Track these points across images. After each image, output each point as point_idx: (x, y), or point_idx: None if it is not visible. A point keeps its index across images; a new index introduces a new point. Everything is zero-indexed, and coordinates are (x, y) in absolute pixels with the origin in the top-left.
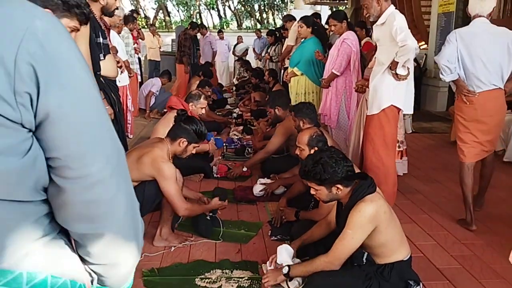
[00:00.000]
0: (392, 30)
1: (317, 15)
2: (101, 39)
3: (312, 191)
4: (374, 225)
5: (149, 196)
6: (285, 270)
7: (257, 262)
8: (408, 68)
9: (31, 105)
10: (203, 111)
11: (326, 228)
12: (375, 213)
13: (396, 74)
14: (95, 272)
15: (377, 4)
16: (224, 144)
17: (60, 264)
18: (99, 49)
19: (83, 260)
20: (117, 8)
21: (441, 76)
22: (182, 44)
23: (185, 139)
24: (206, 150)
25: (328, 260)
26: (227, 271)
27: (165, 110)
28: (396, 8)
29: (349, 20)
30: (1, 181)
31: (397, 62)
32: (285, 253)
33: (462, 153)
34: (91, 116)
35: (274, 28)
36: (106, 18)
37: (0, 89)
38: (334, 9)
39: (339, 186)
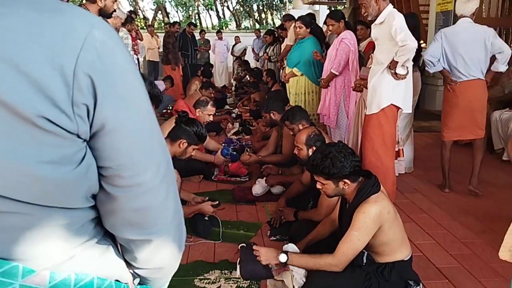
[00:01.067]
0: (392, 30)
1: (311, 16)
2: None
3: (319, 185)
4: (378, 225)
5: None
6: (283, 258)
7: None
8: (407, 67)
9: (88, 116)
10: (211, 118)
11: (330, 226)
12: (379, 213)
13: (396, 73)
14: (138, 275)
15: (376, 3)
16: (222, 145)
17: (105, 266)
18: None
19: (128, 263)
20: (115, 10)
21: (427, 68)
22: (166, 42)
23: (185, 141)
24: (211, 161)
25: (333, 261)
26: (226, 271)
27: (164, 111)
28: (394, 7)
29: (347, 19)
30: (55, 190)
31: (397, 62)
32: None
33: (444, 132)
34: (144, 126)
35: (272, 28)
36: (109, 20)
37: (59, 100)
38: (333, 9)
39: (346, 180)
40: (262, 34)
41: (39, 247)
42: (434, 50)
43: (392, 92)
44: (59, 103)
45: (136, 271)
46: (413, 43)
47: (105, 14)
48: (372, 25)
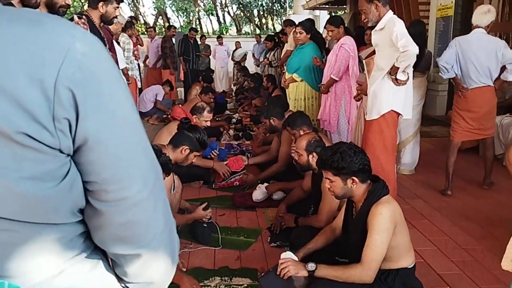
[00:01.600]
0: (393, 36)
1: (311, 21)
2: None
3: (327, 184)
4: (394, 225)
5: None
6: (312, 267)
7: (256, 269)
8: (407, 73)
9: (70, 130)
10: (208, 123)
11: (330, 235)
12: (393, 213)
13: (396, 79)
14: None
15: (376, 9)
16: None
17: (95, 281)
18: None
19: (119, 278)
20: (116, 17)
21: (440, 74)
22: (163, 47)
23: (187, 147)
24: (210, 166)
25: (363, 271)
26: (226, 278)
27: (164, 117)
28: (394, 13)
29: (347, 25)
30: (37, 206)
31: (398, 68)
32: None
33: (453, 133)
34: (130, 139)
35: (273, 33)
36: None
37: (39, 115)
38: (333, 14)
39: (354, 178)
40: (262, 39)
41: (26, 263)
42: (449, 57)
43: (392, 98)
44: (39, 118)
45: (127, 285)
46: (414, 49)
47: (106, 20)
48: (372, 31)
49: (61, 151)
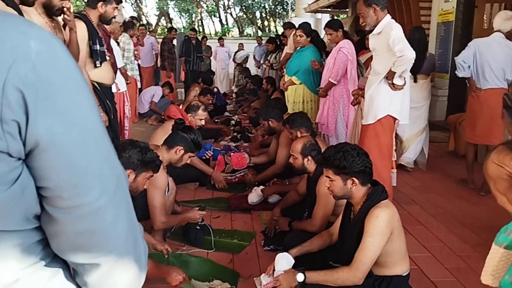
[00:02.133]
0: (389, 40)
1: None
2: (98, 46)
3: (327, 183)
4: (390, 230)
5: (141, 206)
6: (300, 278)
7: (238, 274)
8: (404, 78)
9: (20, 133)
10: (202, 122)
11: (327, 239)
12: (391, 218)
13: (393, 84)
14: None
15: (374, 13)
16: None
17: None
18: (95, 56)
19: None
20: (114, 17)
21: (456, 72)
22: (162, 49)
23: (182, 148)
24: (209, 173)
25: (351, 272)
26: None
27: (163, 117)
28: (396, 18)
29: (349, 28)
30: None
31: (394, 72)
32: (285, 263)
33: (468, 134)
34: (86, 143)
35: (275, 36)
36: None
37: None
38: (335, 17)
39: (355, 179)
40: (263, 41)
41: None
42: (467, 56)
43: (389, 103)
44: None
45: None
46: (411, 54)
47: (105, 20)
48: (370, 35)
49: (10, 155)
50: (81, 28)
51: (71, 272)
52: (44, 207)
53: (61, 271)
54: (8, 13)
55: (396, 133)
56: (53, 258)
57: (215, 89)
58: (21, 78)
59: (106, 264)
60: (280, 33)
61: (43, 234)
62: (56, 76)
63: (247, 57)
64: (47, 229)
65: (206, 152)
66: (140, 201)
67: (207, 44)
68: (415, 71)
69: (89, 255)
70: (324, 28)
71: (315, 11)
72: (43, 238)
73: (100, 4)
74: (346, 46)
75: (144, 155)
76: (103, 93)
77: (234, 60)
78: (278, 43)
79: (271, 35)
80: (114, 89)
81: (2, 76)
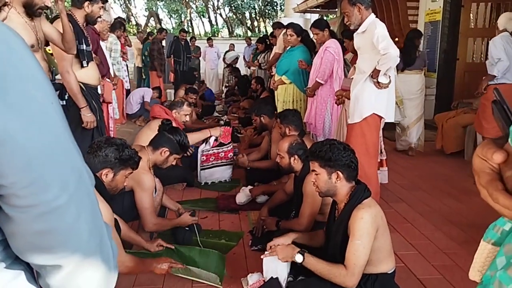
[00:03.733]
0: (374, 39)
1: (280, 25)
2: (84, 46)
3: (313, 178)
4: (376, 228)
5: (128, 207)
6: (299, 259)
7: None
8: (389, 76)
9: None
10: (187, 118)
11: (316, 237)
12: (375, 217)
13: (378, 82)
14: None
15: (358, 12)
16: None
17: None
18: (82, 56)
19: None
20: (100, 16)
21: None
22: (151, 49)
23: (167, 149)
24: (208, 135)
25: (348, 274)
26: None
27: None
28: (382, 17)
29: (338, 28)
30: None
31: (379, 71)
32: (274, 266)
33: (482, 129)
34: (44, 139)
35: (263, 36)
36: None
37: None
38: (323, 17)
39: (339, 173)
40: (253, 41)
41: None
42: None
43: (374, 101)
44: None
45: None
46: (395, 52)
47: (90, 20)
48: (355, 34)
49: None
50: None
51: (35, 275)
52: (1, 206)
53: (23, 273)
54: None
55: (397, 122)
56: (15, 260)
57: (205, 85)
58: None
59: (68, 265)
60: (269, 33)
61: (3, 234)
62: (10, 70)
63: (237, 58)
64: (5, 229)
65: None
66: (128, 202)
67: (196, 44)
68: (408, 64)
69: (50, 256)
70: (310, 28)
71: (304, 11)
72: (3, 239)
73: (86, 3)
74: (333, 46)
75: (121, 152)
76: (89, 93)
77: (224, 60)
78: (268, 43)
79: (261, 35)
80: (99, 90)
81: None
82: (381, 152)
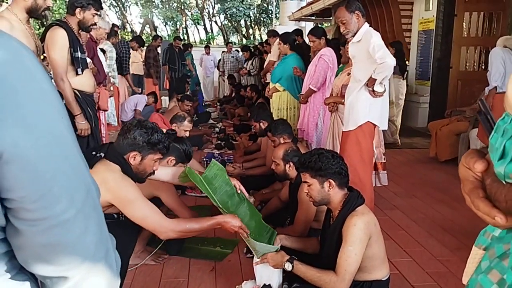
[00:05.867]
0: (370, 48)
1: (299, 32)
2: (79, 53)
3: (305, 189)
4: (369, 236)
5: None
6: (288, 267)
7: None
8: (384, 85)
9: None
10: (187, 133)
11: (310, 244)
12: (368, 224)
13: (373, 91)
14: None
15: (357, 20)
16: (204, 159)
17: None
18: (77, 63)
19: None
20: (95, 24)
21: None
22: (147, 56)
23: (174, 158)
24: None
25: (338, 281)
26: None
27: None
28: (376, 26)
29: (333, 36)
30: None
31: (375, 79)
32: (266, 273)
33: (485, 139)
34: (53, 154)
35: (258, 43)
36: (92, 32)
37: None
38: (318, 25)
39: (331, 181)
40: (233, 49)
41: None
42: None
43: (368, 110)
44: None
45: None
46: (391, 61)
47: (83, 27)
48: (349, 43)
49: None
50: (61, 35)
51: (39, 285)
52: (9, 219)
53: (28, 283)
54: None
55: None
56: (20, 270)
57: (199, 90)
58: None
59: (74, 277)
60: (264, 41)
61: (9, 245)
62: (22, 86)
63: None
64: (13, 241)
65: None
66: None
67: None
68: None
69: (57, 268)
70: (307, 35)
71: (299, 20)
72: (9, 250)
73: (78, 10)
74: (327, 54)
75: (150, 136)
76: (84, 101)
77: (218, 68)
78: (253, 50)
79: (256, 43)
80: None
81: None
82: (382, 156)
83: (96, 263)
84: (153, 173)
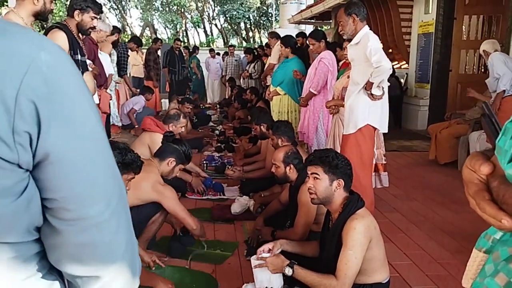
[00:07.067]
0: (367, 51)
1: (303, 35)
2: (79, 56)
3: (310, 183)
4: (369, 239)
5: (145, 217)
6: (288, 272)
7: (216, 280)
8: (382, 88)
9: (30, 144)
10: (183, 129)
11: (310, 248)
12: (368, 228)
13: (372, 94)
14: None
15: (353, 23)
16: (204, 162)
17: None
18: (77, 66)
19: None
20: (94, 28)
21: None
22: (147, 59)
23: (174, 160)
24: (189, 181)
25: (338, 285)
26: None
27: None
28: (376, 29)
29: (332, 39)
30: None
31: (372, 83)
32: (272, 276)
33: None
34: (94, 154)
35: (258, 46)
36: (93, 34)
37: None
38: (319, 28)
39: (341, 181)
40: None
41: None
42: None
43: (368, 113)
44: None
45: None
46: (387, 64)
47: (82, 30)
48: (348, 45)
49: (19, 166)
50: (61, 38)
51: (66, 284)
52: (47, 219)
53: (57, 283)
54: (18, 24)
55: None
56: (49, 270)
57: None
58: (33, 90)
59: (106, 276)
60: (264, 43)
61: (41, 246)
62: (66, 88)
63: None
64: (49, 241)
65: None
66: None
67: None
68: None
69: (90, 268)
70: (307, 38)
71: (299, 22)
72: (41, 250)
73: (76, 12)
74: (327, 57)
75: (124, 156)
76: None
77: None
78: (256, 53)
79: (256, 46)
80: (96, 100)
81: (15, 88)
82: (383, 157)
83: (125, 262)
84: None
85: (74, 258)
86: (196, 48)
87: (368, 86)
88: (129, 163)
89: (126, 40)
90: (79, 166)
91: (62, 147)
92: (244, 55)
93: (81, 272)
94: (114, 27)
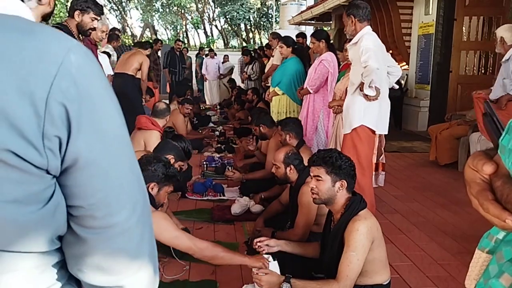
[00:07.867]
0: (359, 51)
1: (303, 35)
2: None
3: (313, 183)
4: (371, 240)
5: None
6: (287, 287)
7: (216, 281)
8: (377, 89)
9: (60, 149)
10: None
11: (311, 249)
12: (370, 229)
13: (366, 94)
14: None
15: (352, 24)
16: (204, 163)
17: None
18: None
19: None
20: (94, 29)
21: None
22: None
23: (173, 156)
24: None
25: (340, 287)
26: None
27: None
28: (376, 30)
29: (332, 40)
30: (16, 233)
31: (363, 83)
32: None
33: None
34: (122, 160)
35: (258, 47)
36: (92, 34)
37: (27, 131)
38: (323, 29)
39: (344, 182)
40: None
41: None
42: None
43: (363, 113)
44: (27, 134)
45: None
46: (373, 64)
47: (81, 30)
48: (348, 46)
49: (47, 172)
50: None
51: None
52: (71, 227)
53: None
54: (47, 25)
55: None
56: (68, 280)
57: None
58: (63, 92)
59: (129, 286)
60: (264, 44)
61: (61, 255)
62: (94, 91)
63: (232, 69)
64: (71, 250)
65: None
66: None
67: (187, 54)
68: None
69: (114, 278)
70: (310, 37)
71: (299, 24)
72: (60, 260)
73: (76, 13)
74: (328, 59)
75: (168, 169)
76: None
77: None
78: (253, 55)
79: (256, 47)
80: None
81: (45, 90)
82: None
83: (148, 271)
84: (162, 205)
85: (99, 267)
86: (200, 49)
87: (361, 86)
88: (171, 176)
89: (127, 41)
90: (108, 172)
91: (91, 152)
92: (241, 56)
93: (103, 282)
94: (115, 29)
